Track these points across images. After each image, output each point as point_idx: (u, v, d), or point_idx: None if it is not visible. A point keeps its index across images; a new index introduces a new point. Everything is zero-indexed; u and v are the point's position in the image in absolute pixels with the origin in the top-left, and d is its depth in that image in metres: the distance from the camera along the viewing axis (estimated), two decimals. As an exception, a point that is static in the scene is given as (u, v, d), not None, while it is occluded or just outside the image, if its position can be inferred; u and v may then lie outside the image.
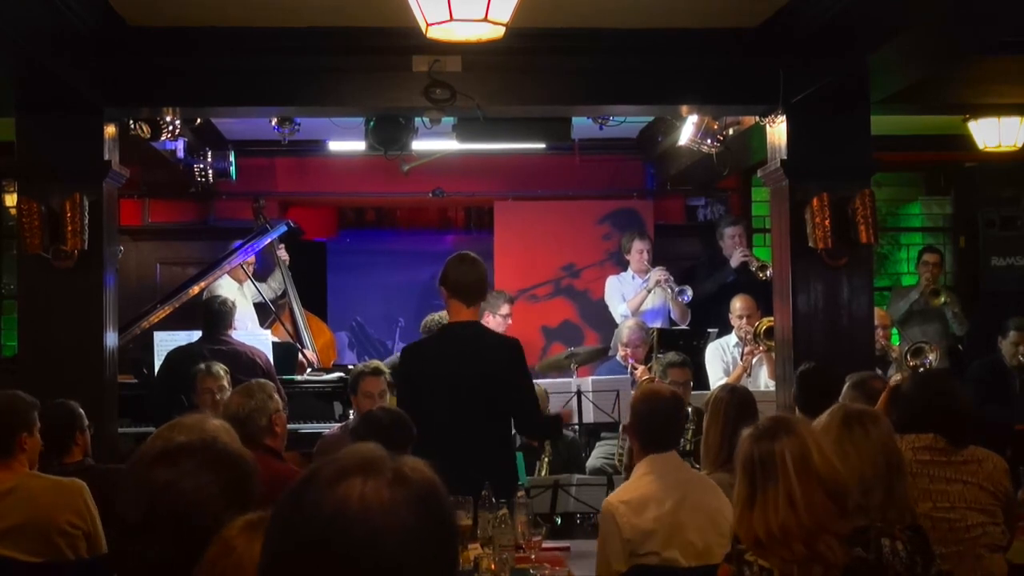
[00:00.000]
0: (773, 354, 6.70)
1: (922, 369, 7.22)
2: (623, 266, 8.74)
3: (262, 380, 4.84)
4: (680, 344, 7.49)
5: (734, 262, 8.33)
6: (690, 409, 5.96)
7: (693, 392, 6.45)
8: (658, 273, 8.22)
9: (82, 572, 3.93)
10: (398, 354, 7.94)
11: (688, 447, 5.80)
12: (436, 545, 1.30)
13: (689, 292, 8.15)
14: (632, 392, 6.40)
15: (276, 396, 4.61)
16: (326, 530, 1.26)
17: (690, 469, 4.25)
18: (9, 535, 3.91)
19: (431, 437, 4.77)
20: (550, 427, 5.50)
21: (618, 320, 8.20)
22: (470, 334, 4.95)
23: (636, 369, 7.14)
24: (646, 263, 8.39)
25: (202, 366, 6.17)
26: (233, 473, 2.12)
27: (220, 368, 6.09)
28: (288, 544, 1.28)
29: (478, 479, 4.29)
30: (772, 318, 6.56)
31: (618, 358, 7.47)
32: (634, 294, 8.33)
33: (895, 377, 7.00)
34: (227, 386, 5.97)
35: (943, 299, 8.31)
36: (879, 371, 6.70)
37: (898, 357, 7.38)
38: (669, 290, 8.22)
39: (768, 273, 8.03)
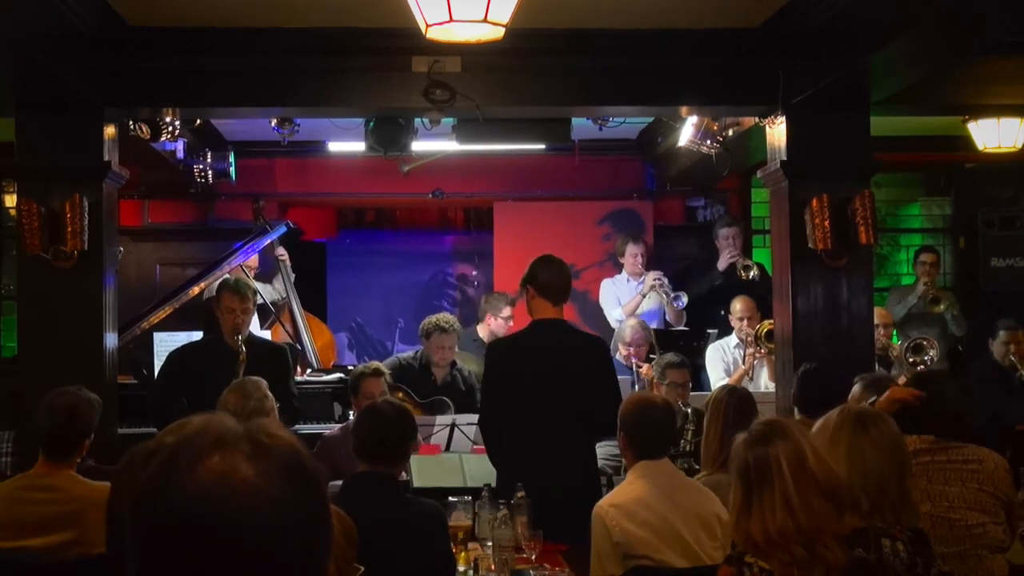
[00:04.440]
0: (774, 356, 6.71)
1: (921, 367, 7.23)
2: (621, 268, 8.74)
3: (255, 378, 4.83)
4: (680, 345, 7.49)
5: (721, 264, 8.33)
6: (689, 410, 5.98)
7: (693, 393, 6.45)
8: (653, 277, 8.21)
9: (79, 572, 3.89)
10: (397, 355, 7.97)
11: (688, 447, 5.80)
12: (309, 509, 1.27)
13: (684, 299, 8.14)
14: (635, 392, 6.42)
15: (270, 396, 4.62)
16: (193, 516, 1.22)
17: (682, 474, 4.27)
18: (33, 530, 3.85)
19: (518, 429, 4.91)
20: None
21: (613, 324, 8.20)
22: (558, 330, 5.10)
23: (640, 368, 7.14)
24: (640, 267, 8.39)
25: (230, 282, 6.24)
26: None
27: (248, 291, 6.13)
28: (156, 533, 1.24)
29: (557, 473, 4.35)
30: (773, 320, 6.57)
31: (619, 358, 7.46)
32: (629, 297, 8.33)
33: (901, 380, 7.03)
34: (251, 309, 6.13)
35: (943, 306, 8.31)
36: (880, 371, 6.71)
37: (899, 356, 7.37)
38: (664, 295, 8.22)
39: (752, 273, 8.04)
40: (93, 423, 4.07)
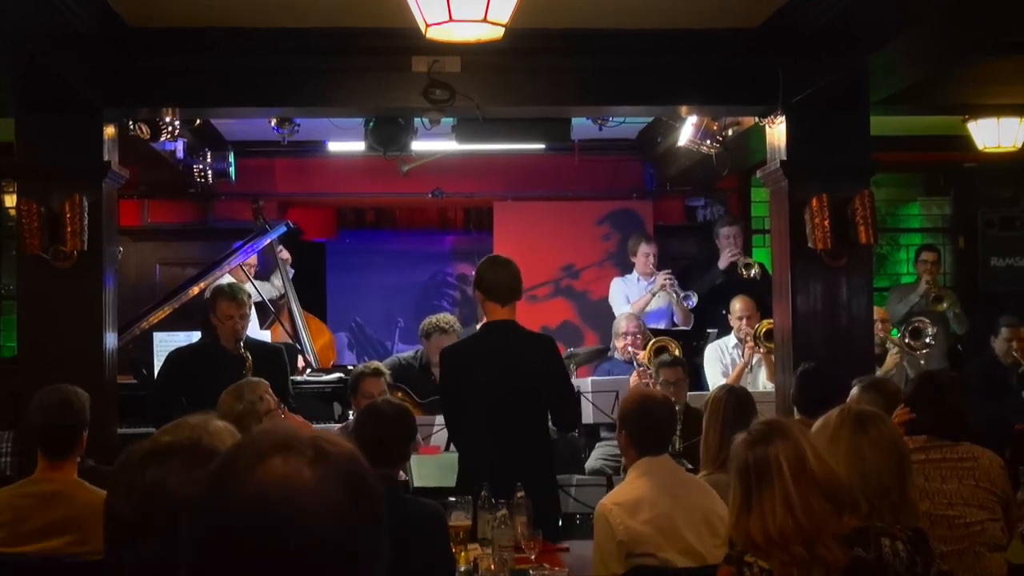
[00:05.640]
0: (773, 356, 6.70)
1: (924, 351, 7.23)
2: (623, 266, 8.73)
3: (253, 380, 4.81)
4: (680, 344, 7.48)
5: (722, 263, 8.32)
6: (678, 407, 5.92)
7: (693, 393, 6.43)
8: (663, 277, 8.22)
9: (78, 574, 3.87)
10: (397, 355, 7.97)
11: (679, 448, 5.74)
12: (364, 520, 1.27)
13: (694, 298, 8.15)
14: (634, 387, 6.40)
15: (267, 396, 4.59)
16: (251, 515, 1.22)
17: (684, 471, 4.25)
18: (36, 537, 3.81)
19: (474, 433, 4.97)
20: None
21: (623, 322, 8.20)
22: (509, 332, 5.08)
23: (638, 354, 7.13)
24: (651, 266, 8.39)
25: (225, 288, 6.19)
26: None
27: (244, 295, 6.10)
28: (212, 532, 1.24)
29: (516, 473, 4.37)
30: (772, 320, 6.56)
31: (617, 354, 7.46)
32: (639, 296, 8.33)
33: (892, 353, 7.06)
34: (248, 314, 6.07)
35: (945, 305, 8.30)
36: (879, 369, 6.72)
37: (899, 344, 7.36)
38: (674, 295, 8.22)
39: (753, 272, 8.04)
40: (87, 416, 4.04)
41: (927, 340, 7.30)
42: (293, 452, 1.26)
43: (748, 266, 8.15)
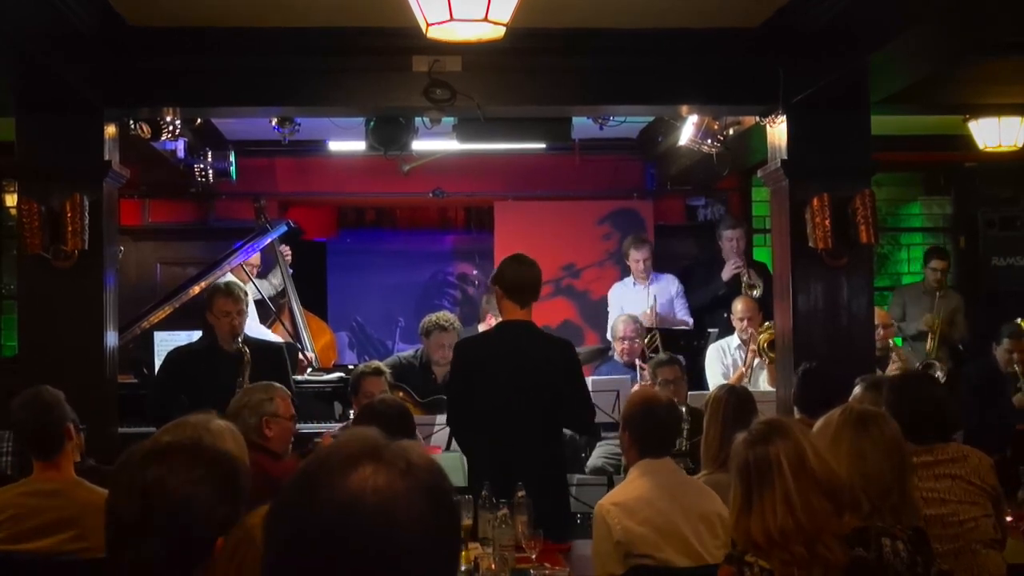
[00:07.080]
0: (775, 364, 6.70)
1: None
2: (623, 266, 8.73)
3: (275, 384, 4.75)
4: (681, 344, 7.48)
5: (725, 274, 8.26)
6: (684, 409, 5.93)
7: (694, 392, 6.43)
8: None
9: (79, 573, 3.86)
10: (398, 354, 7.97)
11: (684, 447, 5.75)
12: (445, 534, 1.30)
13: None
14: (637, 390, 6.40)
15: (277, 400, 4.57)
16: (340, 520, 1.23)
17: (683, 472, 4.25)
18: (36, 534, 3.80)
19: (482, 431, 4.95)
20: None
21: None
22: (524, 332, 5.06)
23: (643, 368, 7.11)
24: (643, 272, 8.38)
25: (221, 286, 6.20)
26: (221, 470, 2.13)
27: (240, 291, 6.11)
28: (298, 534, 1.25)
29: (525, 472, 4.38)
30: (772, 330, 6.56)
31: (617, 356, 7.46)
32: (635, 301, 8.30)
33: (895, 364, 7.06)
34: (245, 311, 6.08)
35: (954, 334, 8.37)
36: (879, 371, 6.71)
37: (904, 364, 7.36)
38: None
39: (756, 293, 7.98)
40: (64, 411, 4.05)
41: (937, 375, 7.32)
42: (385, 462, 1.28)
43: (752, 287, 8.05)
